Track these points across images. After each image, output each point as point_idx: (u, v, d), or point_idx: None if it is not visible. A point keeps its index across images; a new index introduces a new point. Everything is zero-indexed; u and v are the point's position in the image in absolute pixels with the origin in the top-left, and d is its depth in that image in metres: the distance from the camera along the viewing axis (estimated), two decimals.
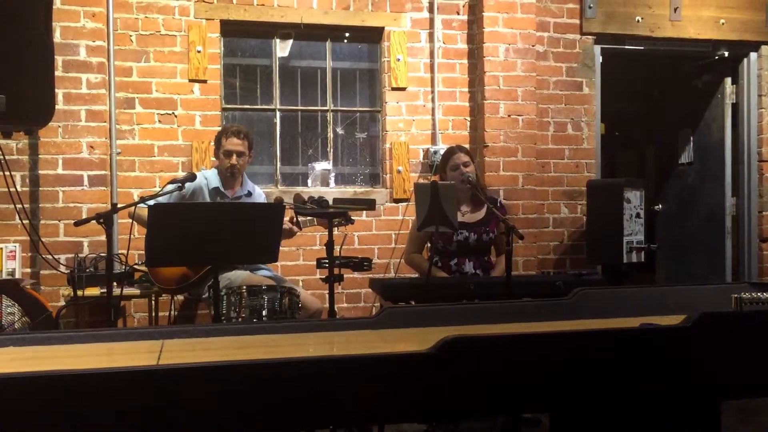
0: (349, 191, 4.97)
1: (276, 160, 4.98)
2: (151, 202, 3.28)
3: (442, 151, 4.88)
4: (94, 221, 3.08)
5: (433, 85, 5.02)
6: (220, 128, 4.39)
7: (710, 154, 5.82)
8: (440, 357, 1.66)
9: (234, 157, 3.98)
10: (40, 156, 4.36)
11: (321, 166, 5.08)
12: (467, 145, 4.79)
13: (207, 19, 4.68)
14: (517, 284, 3.41)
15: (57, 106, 3.18)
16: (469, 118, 5.11)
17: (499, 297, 3.24)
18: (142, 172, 4.59)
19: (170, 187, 3.51)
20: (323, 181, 5.06)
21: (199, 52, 4.64)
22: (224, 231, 3.04)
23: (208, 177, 4.03)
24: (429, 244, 4.14)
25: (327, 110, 5.08)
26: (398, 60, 4.96)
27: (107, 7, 4.47)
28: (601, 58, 5.33)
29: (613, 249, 4.73)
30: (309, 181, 5.07)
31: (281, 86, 5.00)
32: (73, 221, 3.40)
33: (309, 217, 3.76)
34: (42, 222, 4.32)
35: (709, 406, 1.89)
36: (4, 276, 4.09)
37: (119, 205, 3.55)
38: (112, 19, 4.49)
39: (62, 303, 4.20)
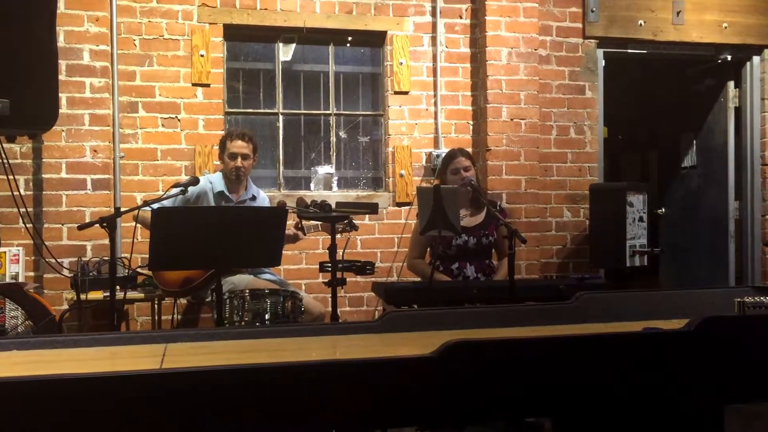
0: (351, 195, 4.97)
1: (279, 163, 4.99)
2: (156, 206, 3.29)
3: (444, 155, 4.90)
4: (97, 225, 3.09)
5: (435, 89, 5.03)
6: (223, 132, 4.41)
7: (713, 158, 5.82)
8: (443, 361, 1.66)
9: (239, 159, 3.99)
10: (43, 160, 4.37)
11: (324, 170, 5.09)
12: (470, 149, 4.79)
13: (210, 24, 4.69)
14: (520, 288, 3.40)
15: (61, 110, 3.18)
16: (471, 122, 5.11)
17: (502, 301, 3.24)
18: (145, 176, 4.61)
19: (174, 191, 3.52)
20: (326, 185, 5.07)
21: (202, 56, 4.65)
22: (227, 235, 3.04)
23: (213, 181, 4.05)
24: (430, 249, 4.14)
25: (330, 114, 5.08)
26: (401, 64, 4.97)
27: (111, 12, 4.49)
28: (603, 61, 5.33)
29: (616, 253, 4.72)
30: (312, 185, 5.08)
31: (284, 90, 5.01)
32: (76, 225, 3.41)
33: (314, 223, 3.77)
34: (45, 225, 4.33)
35: (711, 411, 1.89)
36: (8, 279, 4.10)
37: (122, 209, 3.56)
38: (116, 24, 4.51)
39: (65, 306, 4.22)
